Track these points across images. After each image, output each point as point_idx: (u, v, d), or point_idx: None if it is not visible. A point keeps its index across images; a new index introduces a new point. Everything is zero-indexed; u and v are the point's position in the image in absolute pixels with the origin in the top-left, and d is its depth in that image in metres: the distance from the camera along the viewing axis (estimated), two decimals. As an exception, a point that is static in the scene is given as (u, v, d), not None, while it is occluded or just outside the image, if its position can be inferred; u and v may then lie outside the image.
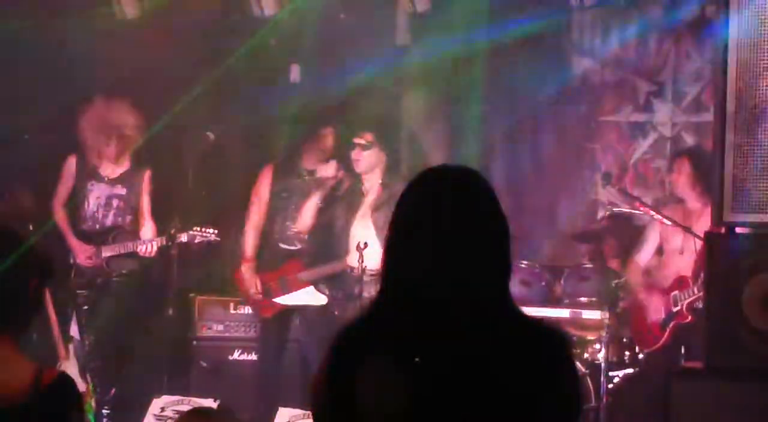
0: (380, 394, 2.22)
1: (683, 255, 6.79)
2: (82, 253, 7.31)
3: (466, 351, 2.21)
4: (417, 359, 2.21)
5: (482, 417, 2.20)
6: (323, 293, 7.06)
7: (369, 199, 6.87)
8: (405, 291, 2.27)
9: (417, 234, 2.29)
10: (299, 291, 7.08)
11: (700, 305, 6.37)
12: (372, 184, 6.92)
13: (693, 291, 6.58)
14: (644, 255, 6.99)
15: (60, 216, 7.42)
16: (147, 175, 7.41)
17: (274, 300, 7.14)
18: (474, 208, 2.30)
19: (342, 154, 7.04)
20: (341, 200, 7.02)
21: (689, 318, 6.62)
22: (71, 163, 7.44)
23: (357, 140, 6.91)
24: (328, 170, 7.02)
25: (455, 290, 2.25)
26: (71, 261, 7.36)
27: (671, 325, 6.73)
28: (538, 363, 2.23)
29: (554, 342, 2.29)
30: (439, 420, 2.20)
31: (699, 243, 6.48)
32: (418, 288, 2.26)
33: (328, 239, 7.14)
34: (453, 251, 2.26)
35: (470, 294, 2.25)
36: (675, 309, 6.71)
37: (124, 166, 7.43)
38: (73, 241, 7.35)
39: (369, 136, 6.92)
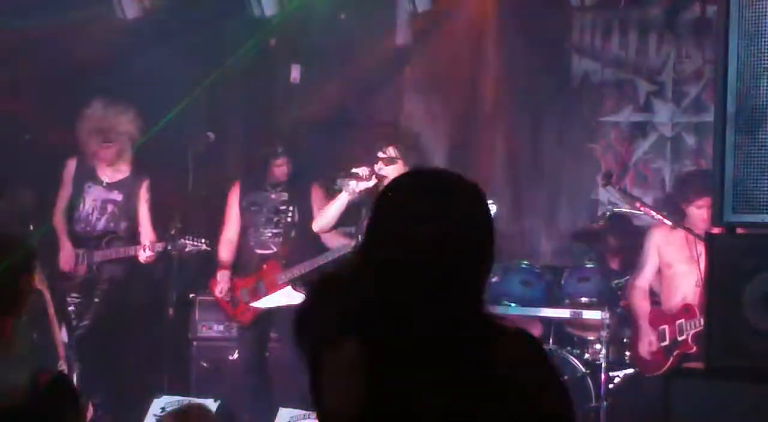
0: (335, 391, 2.23)
1: (690, 281, 6.69)
2: (66, 260, 7.31)
3: (424, 353, 2.19)
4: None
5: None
6: (301, 293, 7.07)
7: None
8: (362, 301, 2.26)
9: (381, 241, 2.28)
10: (276, 293, 7.10)
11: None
12: None
13: (699, 322, 6.38)
14: (645, 275, 6.91)
15: (58, 220, 7.41)
16: (145, 183, 7.40)
17: (252, 304, 7.16)
18: (442, 213, 2.26)
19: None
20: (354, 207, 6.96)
21: (694, 348, 6.48)
22: (71, 166, 7.43)
23: (380, 154, 6.78)
24: (363, 175, 6.71)
25: (415, 297, 2.22)
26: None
27: (675, 353, 6.67)
28: (502, 362, 2.20)
29: (519, 343, 2.26)
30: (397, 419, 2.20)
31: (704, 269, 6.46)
32: (373, 299, 2.24)
33: (302, 239, 7.15)
34: (414, 259, 2.23)
35: (429, 303, 2.22)
36: (680, 339, 6.65)
37: (123, 172, 7.41)
38: (64, 249, 7.34)
39: (392, 150, 6.76)
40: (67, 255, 7.32)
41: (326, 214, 6.87)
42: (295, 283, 7.10)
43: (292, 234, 7.21)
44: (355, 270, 2.31)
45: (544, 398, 2.22)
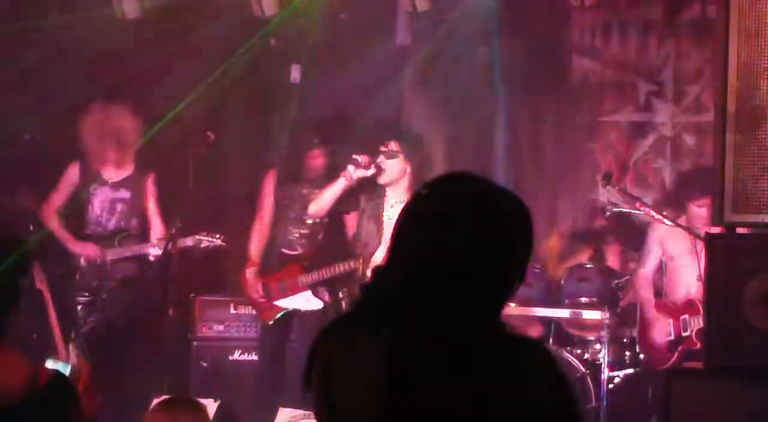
0: (350, 391, 2.22)
1: (692, 274, 6.75)
2: (88, 252, 7.27)
3: (430, 360, 2.19)
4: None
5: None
6: (320, 298, 7.06)
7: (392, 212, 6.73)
8: (384, 301, 2.26)
9: (405, 245, 2.27)
10: (297, 295, 7.08)
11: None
12: (396, 197, 6.75)
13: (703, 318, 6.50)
14: (648, 267, 6.96)
15: (54, 223, 7.36)
16: (151, 178, 7.40)
17: (274, 302, 7.16)
18: (474, 220, 2.26)
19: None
20: (355, 195, 6.94)
21: (698, 345, 6.53)
22: (73, 170, 7.39)
23: (381, 148, 6.77)
24: (363, 162, 6.74)
25: (435, 299, 2.21)
26: (76, 264, 7.35)
27: (680, 349, 6.71)
28: (509, 369, 2.20)
29: (528, 353, 2.25)
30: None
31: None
32: (395, 300, 2.24)
33: (329, 242, 7.13)
34: (437, 259, 2.22)
35: (449, 306, 2.21)
36: (684, 334, 6.69)
37: (127, 170, 7.42)
38: (76, 244, 7.32)
39: (394, 145, 6.78)
40: (86, 249, 7.27)
41: (322, 198, 6.92)
42: (314, 288, 7.07)
43: (320, 236, 7.14)
44: (380, 271, 2.31)
45: (555, 410, 2.23)
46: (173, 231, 7.13)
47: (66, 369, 6.16)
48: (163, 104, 7.31)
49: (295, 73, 8.44)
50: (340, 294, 7.02)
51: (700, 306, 6.55)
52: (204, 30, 7.84)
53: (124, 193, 7.38)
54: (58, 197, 7.41)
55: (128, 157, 7.39)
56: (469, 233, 2.24)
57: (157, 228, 7.35)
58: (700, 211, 6.67)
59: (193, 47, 7.81)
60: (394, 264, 2.28)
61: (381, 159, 6.72)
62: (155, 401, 6.42)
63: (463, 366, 2.18)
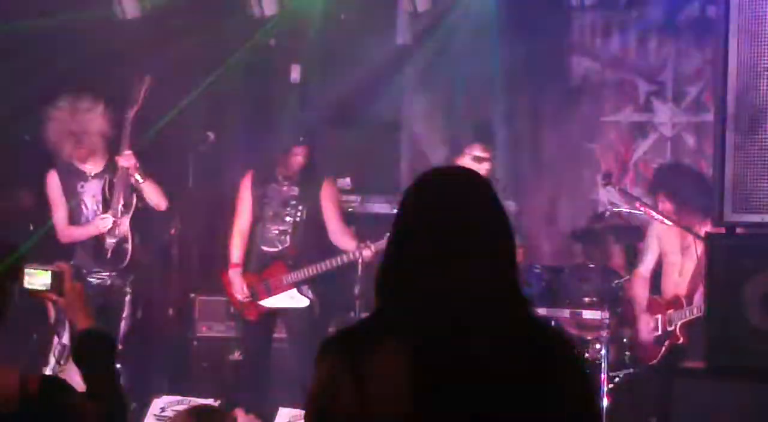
0: (382, 392, 2.21)
1: (681, 273, 6.81)
2: (101, 225, 6.96)
3: (467, 349, 2.21)
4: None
5: (483, 415, 2.20)
6: (306, 296, 7.07)
7: None
8: (406, 296, 2.27)
9: (417, 238, 2.29)
10: (282, 294, 7.09)
11: (693, 326, 6.48)
12: None
13: (686, 313, 6.65)
14: (647, 264, 6.99)
15: (75, 232, 7.04)
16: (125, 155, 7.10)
17: (259, 302, 7.16)
18: (475, 209, 2.31)
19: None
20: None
21: (681, 339, 6.66)
22: (53, 180, 7.07)
23: (467, 151, 6.78)
24: None
25: (456, 292, 2.24)
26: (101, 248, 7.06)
27: (666, 344, 6.75)
28: (542, 364, 2.23)
29: (558, 344, 2.29)
30: (440, 419, 2.20)
31: (695, 262, 6.55)
32: (419, 292, 2.25)
33: (309, 240, 7.14)
34: (454, 253, 2.25)
35: (471, 296, 2.24)
36: (670, 329, 6.74)
37: (103, 158, 7.05)
38: (90, 227, 6.98)
39: (478, 148, 6.77)
40: (95, 224, 6.96)
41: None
42: (299, 286, 7.09)
43: (299, 233, 7.16)
44: (386, 271, 2.32)
45: (585, 404, 2.27)
46: (173, 231, 7.10)
47: None
48: (163, 104, 7.30)
49: (295, 73, 8.44)
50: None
51: (683, 301, 6.69)
52: (204, 30, 7.84)
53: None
54: (62, 213, 7.08)
55: (99, 154, 7.06)
56: (482, 222, 2.30)
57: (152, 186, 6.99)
58: (663, 205, 6.74)
59: (193, 47, 7.81)
60: (401, 261, 2.30)
61: (469, 163, 6.70)
62: (160, 405, 6.45)
63: (500, 359, 2.20)
